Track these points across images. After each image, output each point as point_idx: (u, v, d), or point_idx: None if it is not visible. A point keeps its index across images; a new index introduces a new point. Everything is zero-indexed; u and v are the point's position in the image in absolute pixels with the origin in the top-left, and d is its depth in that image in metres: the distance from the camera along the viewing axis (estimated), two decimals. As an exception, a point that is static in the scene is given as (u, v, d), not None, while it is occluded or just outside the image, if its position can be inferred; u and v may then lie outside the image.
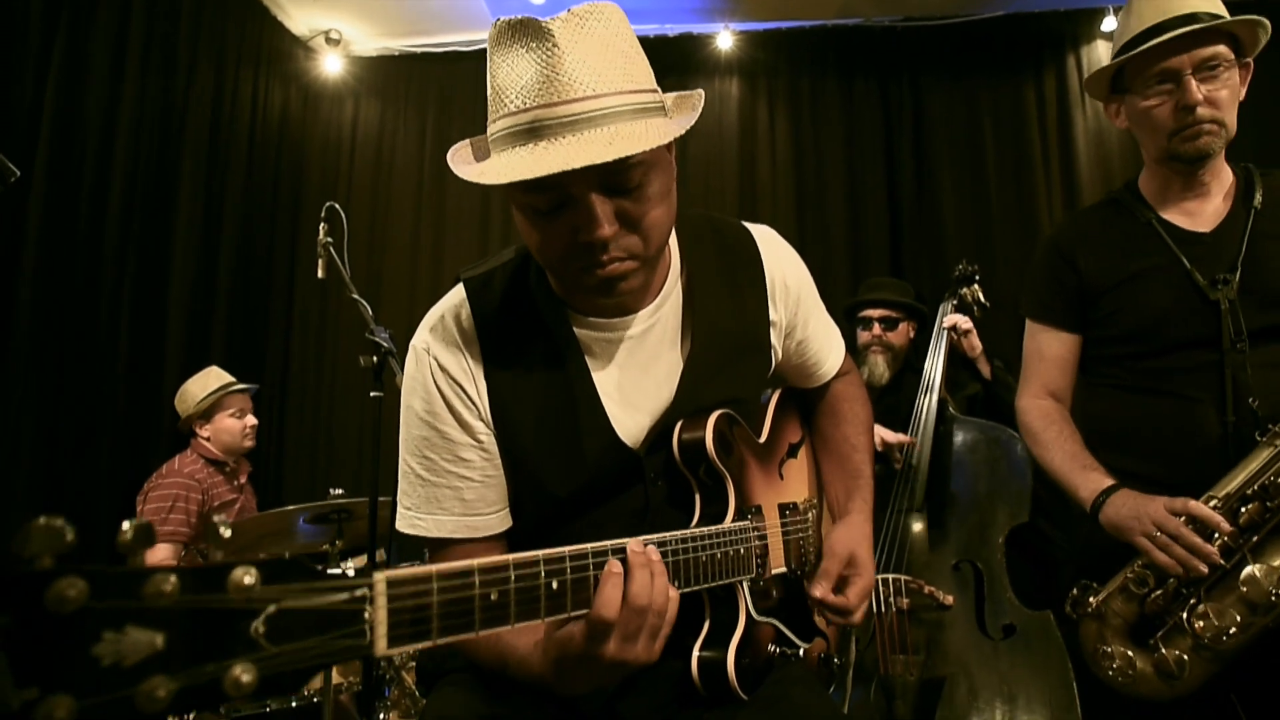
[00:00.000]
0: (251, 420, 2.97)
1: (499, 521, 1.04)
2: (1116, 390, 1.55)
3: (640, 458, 1.04)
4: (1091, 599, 1.41)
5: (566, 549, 0.77)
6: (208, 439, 2.91)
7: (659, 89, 0.94)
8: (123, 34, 3.10)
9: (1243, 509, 1.31)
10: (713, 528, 0.98)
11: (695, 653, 0.99)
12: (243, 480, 3.04)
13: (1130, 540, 1.36)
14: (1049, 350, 1.63)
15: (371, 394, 1.87)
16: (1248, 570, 1.29)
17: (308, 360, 3.86)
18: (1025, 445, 2.24)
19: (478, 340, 1.02)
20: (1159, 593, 1.35)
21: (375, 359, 1.85)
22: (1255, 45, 1.46)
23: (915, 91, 4.02)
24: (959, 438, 2.45)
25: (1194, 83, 1.41)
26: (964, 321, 2.66)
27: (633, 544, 0.82)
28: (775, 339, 1.17)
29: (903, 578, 2.22)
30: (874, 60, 4.08)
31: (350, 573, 1.78)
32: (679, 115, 0.94)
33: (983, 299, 2.83)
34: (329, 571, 0.57)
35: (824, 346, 1.27)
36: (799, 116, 4.12)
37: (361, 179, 4.20)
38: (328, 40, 4.18)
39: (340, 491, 2.31)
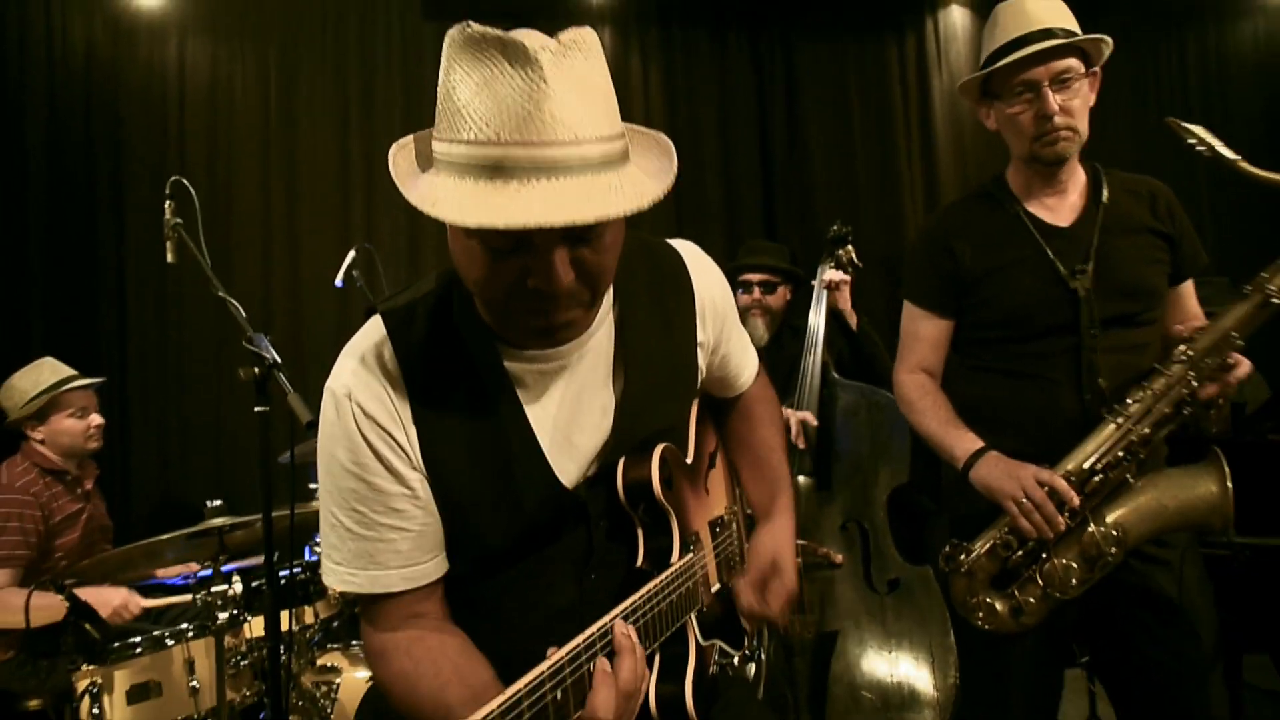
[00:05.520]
0: (96, 420, 2.65)
1: (435, 568, 1.00)
2: (986, 373, 1.71)
3: (580, 500, 1.02)
4: (963, 558, 1.60)
5: (563, 653, 0.76)
6: (42, 442, 2.58)
7: (624, 129, 0.89)
8: None
9: (1091, 480, 1.51)
10: (667, 573, 0.99)
11: (652, 689, 1.00)
12: (88, 486, 2.72)
13: (1000, 501, 1.53)
14: (924, 332, 1.77)
15: (256, 409, 1.70)
16: (1089, 530, 1.51)
17: (148, 345, 3.45)
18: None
19: (404, 381, 0.95)
20: (1020, 553, 1.56)
21: (257, 371, 1.68)
22: (1100, 57, 1.62)
23: (786, 47, 4.06)
24: (841, 401, 2.59)
25: (1050, 94, 1.55)
26: (841, 276, 2.77)
27: (618, 626, 0.82)
28: (702, 360, 1.17)
29: (799, 541, 2.35)
30: (745, 13, 4.06)
31: (237, 587, 1.64)
32: (636, 154, 0.90)
33: (856, 259, 2.97)
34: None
35: (743, 357, 1.29)
36: (672, 70, 4.06)
37: (195, 131, 3.71)
38: (135, -39, 3.61)
39: (219, 503, 2.12)
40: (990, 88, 1.65)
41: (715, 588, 1.15)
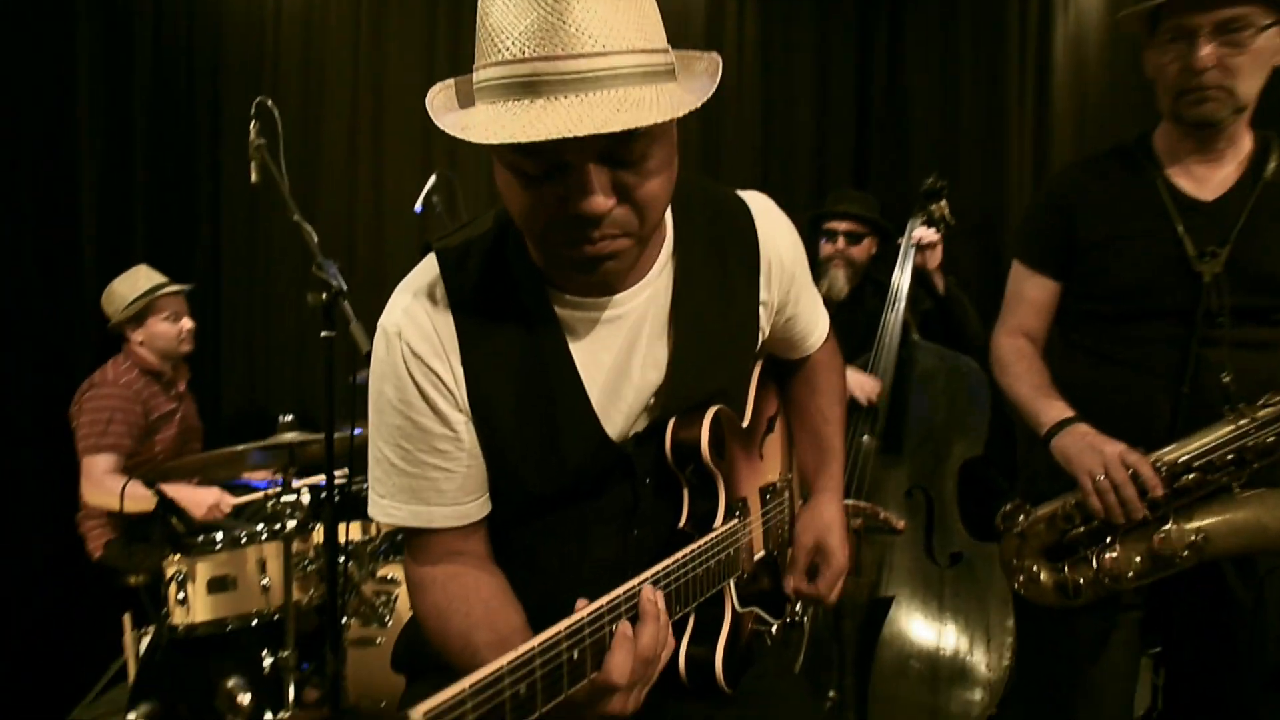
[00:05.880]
0: (188, 324, 2.81)
1: (478, 509, 1.00)
2: (1083, 352, 1.59)
3: (626, 453, 1.00)
4: (1021, 519, 1.52)
5: (585, 613, 0.74)
6: (141, 344, 2.75)
7: (669, 47, 0.83)
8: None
9: (1186, 476, 1.38)
10: (707, 539, 0.97)
11: (683, 650, 0.99)
12: (181, 388, 2.90)
13: (1075, 473, 1.42)
14: (1030, 294, 1.65)
15: (322, 334, 1.74)
16: (1167, 527, 1.39)
17: (239, 261, 3.60)
18: (986, 377, 2.31)
19: (454, 322, 0.93)
20: (1081, 529, 1.47)
21: (325, 297, 1.71)
22: None
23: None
24: (920, 364, 2.48)
25: (1206, 44, 1.34)
26: (932, 235, 2.62)
27: (646, 591, 0.80)
28: (765, 320, 1.12)
29: (861, 503, 2.29)
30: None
31: (305, 498, 1.72)
32: (685, 78, 0.84)
33: (948, 215, 2.79)
34: None
35: (812, 320, 1.23)
36: (770, 7, 3.84)
37: (289, 54, 3.76)
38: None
39: (290, 418, 2.22)
40: (1153, 28, 1.44)
41: (759, 555, 1.12)
